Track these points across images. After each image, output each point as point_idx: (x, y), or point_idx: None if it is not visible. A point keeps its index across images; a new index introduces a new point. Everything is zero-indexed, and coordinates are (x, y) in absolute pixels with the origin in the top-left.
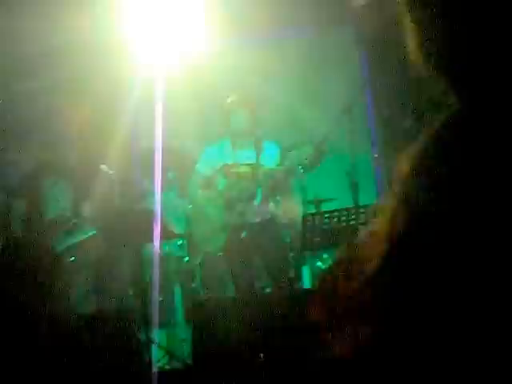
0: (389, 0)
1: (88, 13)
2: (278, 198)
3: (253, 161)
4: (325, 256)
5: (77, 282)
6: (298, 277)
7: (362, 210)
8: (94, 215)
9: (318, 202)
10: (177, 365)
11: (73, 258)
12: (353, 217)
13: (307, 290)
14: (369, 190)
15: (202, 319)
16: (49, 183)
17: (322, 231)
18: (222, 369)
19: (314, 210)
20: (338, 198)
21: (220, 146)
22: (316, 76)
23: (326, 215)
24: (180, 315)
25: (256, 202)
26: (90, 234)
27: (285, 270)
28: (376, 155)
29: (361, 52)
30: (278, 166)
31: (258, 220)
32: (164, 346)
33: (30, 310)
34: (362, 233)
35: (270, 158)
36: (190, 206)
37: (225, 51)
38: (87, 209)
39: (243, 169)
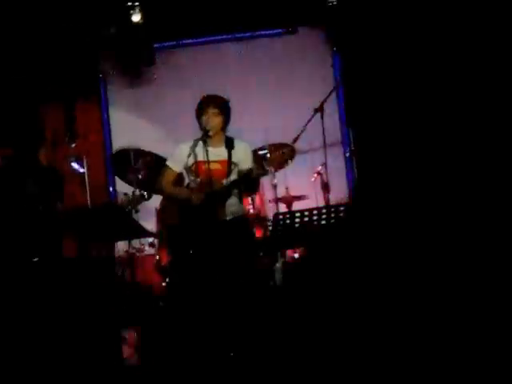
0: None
1: None
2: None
3: (224, 158)
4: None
5: None
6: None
7: (332, 209)
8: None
9: (289, 200)
10: None
11: None
12: (323, 216)
13: None
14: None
15: None
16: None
17: (293, 229)
18: None
19: (285, 209)
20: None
21: (192, 143)
22: (289, 75)
23: (297, 214)
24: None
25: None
26: None
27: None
28: (347, 154)
29: (333, 52)
30: (249, 163)
31: (230, 218)
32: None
33: None
34: None
35: (242, 156)
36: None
37: (198, 49)
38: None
39: (215, 166)
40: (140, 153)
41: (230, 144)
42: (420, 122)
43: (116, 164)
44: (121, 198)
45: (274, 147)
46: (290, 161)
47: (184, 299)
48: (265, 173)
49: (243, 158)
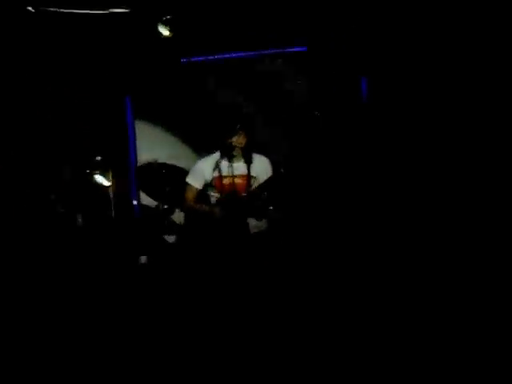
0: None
1: None
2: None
3: (244, 172)
4: None
5: None
6: None
7: None
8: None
9: None
10: None
11: None
12: None
13: None
14: None
15: None
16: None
17: None
18: None
19: None
20: None
21: (211, 159)
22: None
23: None
24: None
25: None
26: None
27: None
28: None
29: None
30: (268, 175)
31: (255, 231)
32: None
33: None
34: None
35: (260, 170)
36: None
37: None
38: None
39: (236, 180)
40: (164, 167)
41: (248, 159)
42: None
43: (141, 178)
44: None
45: None
46: None
47: None
48: None
49: (262, 171)
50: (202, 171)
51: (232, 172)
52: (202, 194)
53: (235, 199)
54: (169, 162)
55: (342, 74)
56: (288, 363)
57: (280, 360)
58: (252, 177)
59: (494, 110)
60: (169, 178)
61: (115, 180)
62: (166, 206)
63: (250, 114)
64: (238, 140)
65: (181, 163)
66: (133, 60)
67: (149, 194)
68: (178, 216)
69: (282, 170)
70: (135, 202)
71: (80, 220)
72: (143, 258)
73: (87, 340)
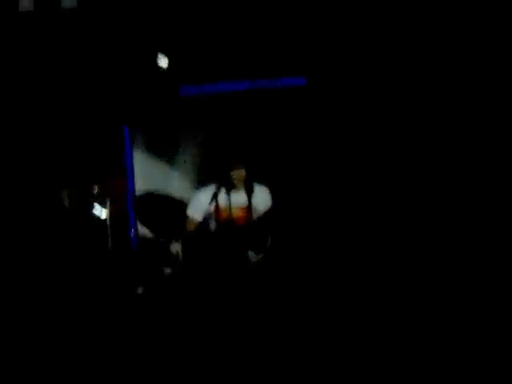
0: None
1: None
2: None
3: (245, 203)
4: None
5: None
6: None
7: None
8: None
9: None
10: None
11: None
12: None
13: None
14: None
15: None
16: None
17: None
18: None
19: None
20: None
21: (210, 190)
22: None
23: None
24: None
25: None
26: None
27: None
28: None
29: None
30: (268, 204)
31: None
32: None
33: None
34: None
35: (260, 199)
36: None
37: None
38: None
39: (236, 212)
40: (163, 198)
41: (249, 189)
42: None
43: (138, 209)
44: None
45: None
46: None
47: None
48: None
49: (262, 201)
50: (201, 202)
51: (229, 203)
52: (204, 225)
53: (233, 230)
54: (171, 193)
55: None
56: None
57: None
58: (252, 207)
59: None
60: (167, 210)
61: (113, 211)
62: (162, 239)
63: (250, 146)
64: (239, 174)
65: (179, 195)
66: (131, 90)
67: (146, 226)
68: (175, 246)
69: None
70: (133, 233)
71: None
72: (140, 290)
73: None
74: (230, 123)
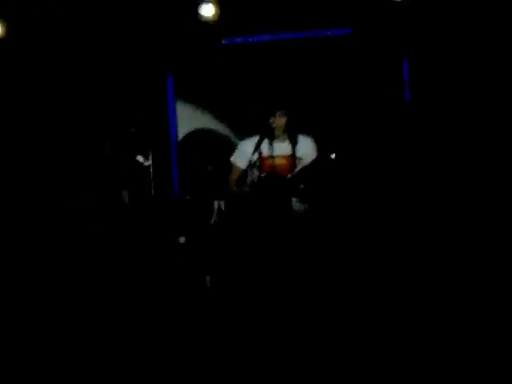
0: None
1: None
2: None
3: (288, 152)
4: None
5: None
6: None
7: None
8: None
9: None
10: None
11: None
12: None
13: None
14: None
15: None
16: None
17: None
18: None
19: None
20: None
21: (256, 139)
22: (354, 75)
23: None
24: None
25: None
26: None
27: None
28: None
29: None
30: (313, 157)
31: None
32: None
33: None
34: None
35: (306, 150)
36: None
37: (264, 47)
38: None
39: (280, 161)
40: (206, 146)
41: (293, 139)
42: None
43: (183, 150)
44: None
45: None
46: None
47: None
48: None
49: (307, 152)
50: (246, 151)
51: (272, 152)
52: (245, 174)
53: (277, 179)
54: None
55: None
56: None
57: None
58: (297, 157)
59: None
60: (210, 156)
61: (155, 159)
62: (187, 197)
63: (291, 95)
64: (277, 121)
65: (221, 143)
66: (175, 40)
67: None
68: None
69: (332, 156)
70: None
71: (125, 196)
72: (182, 239)
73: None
74: (273, 72)
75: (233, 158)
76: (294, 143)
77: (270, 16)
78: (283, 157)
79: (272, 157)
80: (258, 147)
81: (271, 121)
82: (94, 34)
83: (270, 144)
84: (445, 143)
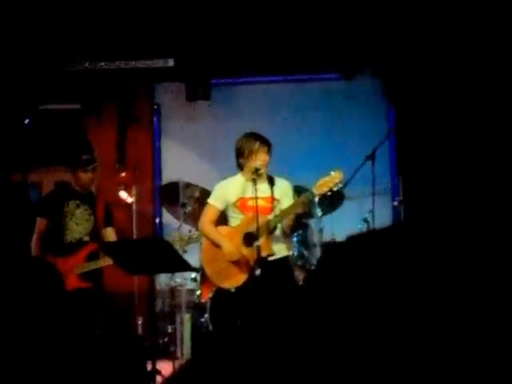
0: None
1: None
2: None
3: (268, 194)
4: None
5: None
6: None
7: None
8: (111, 241)
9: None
10: None
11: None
12: None
13: None
14: None
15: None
16: (71, 205)
17: None
18: None
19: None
20: None
21: (233, 180)
22: (341, 120)
23: None
24: (188, 348)
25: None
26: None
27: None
28: (395, 203)
29: (387, 102)
30: (290, 200)
31: (274, 258)
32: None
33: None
34: None
35: (283, 192)
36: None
37: (253, 88)
38: (107, 235)
39: (260, 202)
40: (189, 186)
41: (271, 181)
42: (474, 175)
43: (165, 196)
44: (172, 235)
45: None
46: (338, 184)
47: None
48: (312, 198)
49: (285, 194)
50: (226, 192)
51: (255, 193)
52: (221, 215)
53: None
54: (197, 181)
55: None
56: None
57: None
58: (275, 199)
59: None
60: (192, 198)
61: (139, 197)
62: (194, 233)
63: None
64: (260, 159)
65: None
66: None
67: (171, 213)
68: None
69: None
70: (158, 220)
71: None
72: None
73: None
74: (260, 111)
75: (210, 199)
76: (272, 185)
77: (260, 58)
78: (263, 198)
79: (255, 198)
80: (239, 187)
81: (255, 156)
82: None
83: (255, 185)
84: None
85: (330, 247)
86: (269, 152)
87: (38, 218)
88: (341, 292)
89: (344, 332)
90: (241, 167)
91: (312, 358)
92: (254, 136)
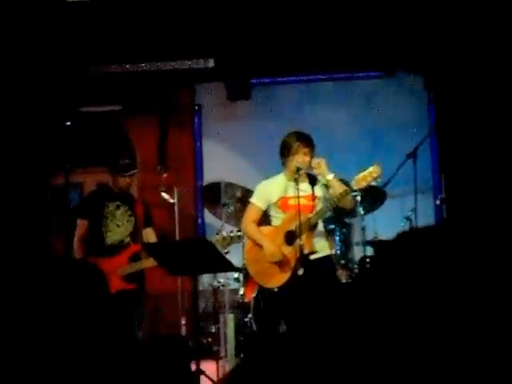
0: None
1: None
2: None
3: (309, 193)
4: None
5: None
6: None
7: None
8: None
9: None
10: None
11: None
12: None
13: None
14: None
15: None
16: (111, 207)
17: None
18: None
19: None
20: None
21: (275, 179)
22: (383, 118)
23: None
24: (232, 348)
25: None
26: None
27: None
28: (438, 201)
29: (429, 99)
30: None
31: (316, 256)
32: (213, 377)
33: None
34: None
35: (322, 192)
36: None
37: (293, 86)
38: (147, 236)
39: (302, 201)
40: (231, 187)
41: (313, 180)
42: None
43: (206, 196)
44: (215, 237)
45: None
46: (377, 179)
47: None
48: (351, 192)
49: (324, 192)
50: (268, 192)
51: (297, 192)
52: (264, 215)
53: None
54: (239, 181)
55: None
56: None
57: None
58: (316, 197)
59: None
60: (234, 198)
61: (181, 198)
62: (237, 234)
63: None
64: (301, 159)
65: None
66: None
67: (213, 213)
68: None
69: None
70: (200, 221)
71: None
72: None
73: None
74: (301, 110)
75: (253, 199)
76: (313, 184)
77: (300, 57)
78: (304, 197)
79: (297, 197)
80: (281, 187)
81: (296, 156)
82: None
83: (297, 185)
84: None
85: (380, 245)
86: (311, 152)
87: (78, 220)
88: (395, 289)
89: (398, 330)
90: (284, 165)
91: (364, 356)
92: (296, 136)
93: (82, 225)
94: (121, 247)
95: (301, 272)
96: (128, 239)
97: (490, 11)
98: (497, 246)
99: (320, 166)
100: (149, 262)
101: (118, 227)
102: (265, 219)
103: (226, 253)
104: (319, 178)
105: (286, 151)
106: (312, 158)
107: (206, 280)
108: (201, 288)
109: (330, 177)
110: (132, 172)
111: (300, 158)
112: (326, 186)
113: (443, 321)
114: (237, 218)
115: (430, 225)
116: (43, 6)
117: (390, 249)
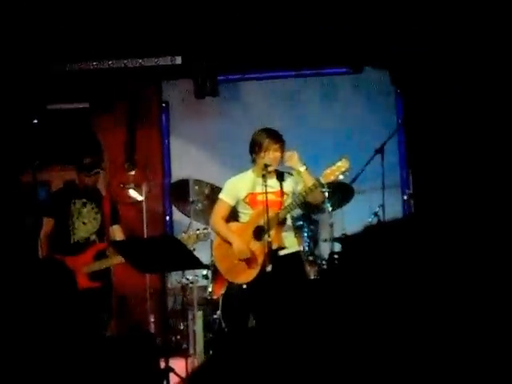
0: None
1: None
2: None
3: (278, 189)
4: None
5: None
6: None
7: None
8: (122, 240)
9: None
10: None
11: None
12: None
13: None
14: None
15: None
16: (78, 204)
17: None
18: None
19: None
20: None
21: (243, 176)
22: (350, 114)
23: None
24: (201, 345)
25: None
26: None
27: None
28: (405, 197)
29: (396, 94)
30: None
31: (285, 252)
32: (182, 374)
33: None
34: None
35: (291, 188)
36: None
37: (261, 83)
38: (114, 234)
39: (270, 197)
40: (199, 184)
41: (281, 176)
42: (482, 166)
43: (174, 194)
44: (182, 235)
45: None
46: (345, 173)
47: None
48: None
49: (293, 188)
50: (236, 188)
51: (265, 189)
52: (232, 211)
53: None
54: (207, 179)
55: None
56: None
57: None
58: (285, 193)
59: None
60: (202, 195)
61: (149, 195)
62: (205, 231)
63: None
64: (270, 156)
65: (213, 181)
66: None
67: (181, 211)
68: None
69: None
70: (168, 218)
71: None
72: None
73: None
74: (269, 107)
75: (222, 195)
76: (281, 180)
77: (267, 54)
78: (273, 193)
79: (266, 193)
80: (249, 183)
81: (266, 153)
82: None
83: (264, 181)
84: None
85: (347, 240)
86: (280, 149)
87: (44, 218)
88: (361, 283)
89: (366, 324)
90: (254, 162)
91: (329, 353)
92: (266, 132)
93: (47, 222)
94: (86, 245)
95: (269, 268)
96: (94, 237)
97: (455, 5)
98: (464, 239)
99: (292, 158)
100: (115, 260)
101: (84, 224)
102: (233, 215)
103: (193, 250)
104: (291, 171)
105: (256, 148)
106: (283, 153)
107: (174, 277)
108: (169, 285)
109: (302, 169)
110: (95, 171)
111: (271, 155)
112: (296, 181)
113: (409, 314)
114: (205, 215)
115: (397, 218)
116: (5, 4)
117: (356, 242)
